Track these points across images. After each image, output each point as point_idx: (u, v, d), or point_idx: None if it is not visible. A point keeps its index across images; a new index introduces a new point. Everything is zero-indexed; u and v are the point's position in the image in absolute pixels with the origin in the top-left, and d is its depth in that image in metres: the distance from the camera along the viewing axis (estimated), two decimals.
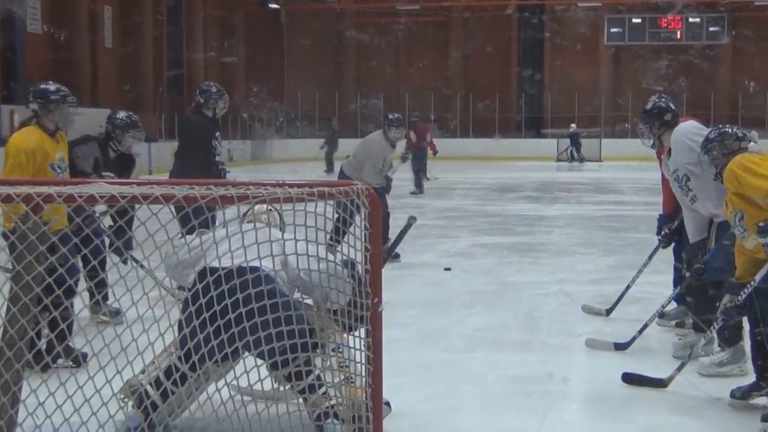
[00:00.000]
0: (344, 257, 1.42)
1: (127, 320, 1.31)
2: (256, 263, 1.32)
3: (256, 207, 1.41)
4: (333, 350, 1.50)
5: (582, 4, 14.89)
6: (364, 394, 1.35)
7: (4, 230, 1.71)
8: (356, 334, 1.36)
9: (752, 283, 1.73)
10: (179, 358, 1.41)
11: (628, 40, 15.05)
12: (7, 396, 1.17)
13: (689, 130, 2.11)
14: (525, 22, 15.56)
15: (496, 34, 15.19)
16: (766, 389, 1.75)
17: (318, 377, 1.45)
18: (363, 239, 1.32)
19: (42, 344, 1.24)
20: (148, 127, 10.27)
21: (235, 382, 1.40)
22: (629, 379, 1.93)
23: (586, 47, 15.01)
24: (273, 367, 1.41)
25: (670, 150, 2.17)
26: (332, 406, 1.43)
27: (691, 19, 14.73)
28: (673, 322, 2.46)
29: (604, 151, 13.35)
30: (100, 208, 1.64)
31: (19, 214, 1.18)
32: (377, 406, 1.36)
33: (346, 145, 8.64)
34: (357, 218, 1.30)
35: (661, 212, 2.46)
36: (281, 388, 1.46)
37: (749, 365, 1.88)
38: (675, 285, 2.41)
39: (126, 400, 1.46)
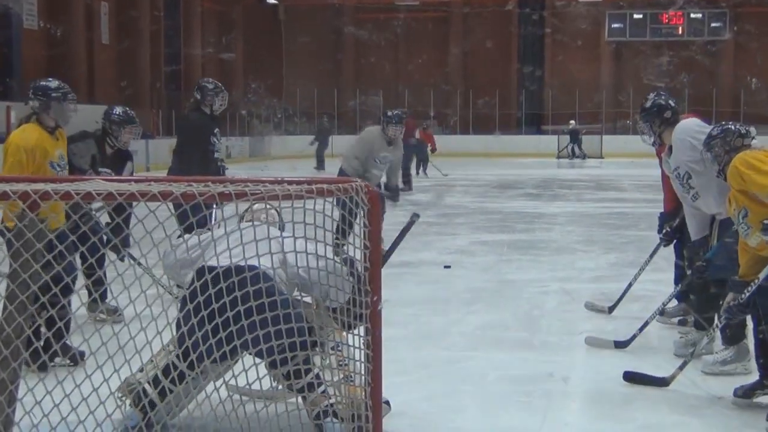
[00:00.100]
0: (344, 255, 1.42)
1: (124, 318, 1.30)
2: (254, 261, 1.31)
3: (255, 205, 1.40)
4: (332, 349, 1.49)
5: (583, 0, 14.85)
6: (363, 393, 1.35)
7: (1, 227, 1.70)
8: (356, 332, 1.35)
9: (756, 281, 1.72)
10: (177, 356, 1.40)
11: (630, 35, 15.02)
12: (4, 395, 1.16)
13: (691, 128, 2.09)
14: (525, 18, 15.54)
15: (496, 29, 15.17)
16: None
17: (317, 376, 1.45)
18: (362, 237, 1.30)
19: (39, 343, 1.23)
20: (146, 123, 10.13)
21: (232, 382, 1.39)
22: (630, 377, 1.92)
23: (587, 43, 14.99)
24: (272, 365, 1.40)
25: (670, 147, 2.15)
26: (331, 405, 1.43)
27: (692, 15, 14.70)
28: (675, 320, 2.45)
29: (605, 148, 13.32)
30: (97, 205, 1.62)
31: (16, 211, 1.16)
32: (377, 405, 1.35)
33: (345, 142, 8.64)
34: (359, 217, 1.30)
35: (662, 210, 2.46)
36: (279, 387, 1.46)
37: (753, 363, 1.86)
38: (676, 283, 2.40)
39: (124, 398, 1.45)
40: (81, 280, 2.11)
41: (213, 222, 1.96)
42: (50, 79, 2.15)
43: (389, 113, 3.69)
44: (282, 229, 1.58)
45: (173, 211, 1.20)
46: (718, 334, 2.02)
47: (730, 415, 1.74)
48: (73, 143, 2.26)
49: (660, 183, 2.46)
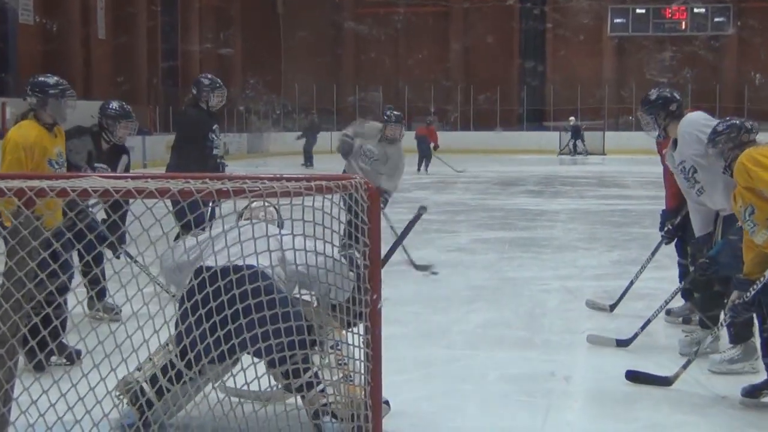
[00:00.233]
0: (345, 253, 1.40)
1: (121, 317, 1.28)
2: (252, 260, 1.30)
3: (253, 203, 1.38)
4: (331, 348, 1.48)
5: None
6: (362, 392, 1.33)
7: None
8: (356, 330, 1.33)
9: (761, 279, 1.69)
10: (175, 356, 1.38)
11: (632, 30, 14.92)
12: (0, 394, 1.14)
13: (697, 121, 2.07)
14: (527, 13, 15.42)
15: (497, 24, 15.06)
16: None
17: (315, 374, 1.43)
18: (362, 234, 1.29)
19: (34, 342, 1.21)
20: (142, 120, 10.00)
21: (230, 383, 1.38)
22: (633, 377, 1.89)
23: (589, 38, 14.89)
24: (270, 364, 1.39)
25: (675, 141, 2.13)
26: (329, 404, 1.41)
27: (696, 10, 14.60)
28: (680, 319, 2.43)
29: (607, 144, 13.27)
30: (93, 201, 1.60)
31: (12, 209, 1.15)
32: (376, 404, 1.33)
33: None
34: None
35: (664, 207, 2.43)
36: (278, 386, 1.44)
37: (761, 362, 1.82)
38: (680, 281, 2.38)
39: (121, 397, 1.43)
40: (77, 278, 2.10)
41: (212, 219, 1.94)
42: (48, 75, 2.13)
43: (387, 113, 3.66)
44: (281, 226, 1.56)
45: (170, 208, 1.18)
46: (724, 332, 2.01)
47: (735, 415, 1.72)
48: (69, 140, 2.24)
49: (663, 179, 2.47)
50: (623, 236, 4.43)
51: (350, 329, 1.35)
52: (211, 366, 1.34)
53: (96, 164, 2.42)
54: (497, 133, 14.06)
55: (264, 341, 1.31)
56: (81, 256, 1.94)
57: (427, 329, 2.44)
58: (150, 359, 1.43)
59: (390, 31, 15.22)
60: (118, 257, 2.08)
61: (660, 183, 2.54)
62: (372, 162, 3.45)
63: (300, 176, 1.25)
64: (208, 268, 1.32)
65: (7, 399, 1.17)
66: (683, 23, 14.72)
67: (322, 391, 1.42)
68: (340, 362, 1.45)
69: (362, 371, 1.34)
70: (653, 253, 2.54)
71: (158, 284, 1.47)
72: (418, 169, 9.26)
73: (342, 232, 1.32)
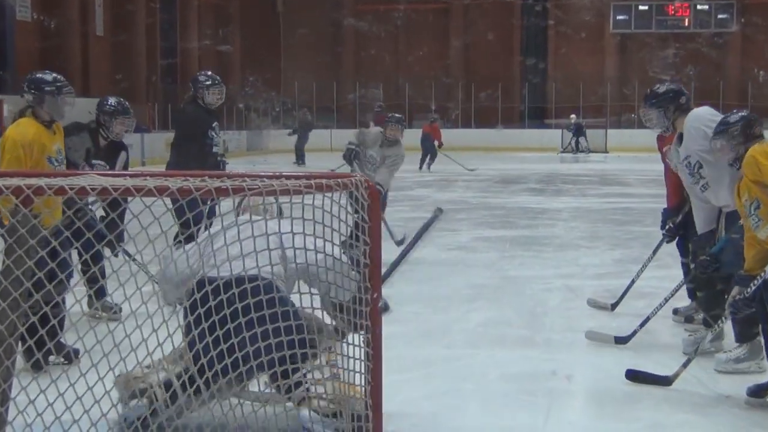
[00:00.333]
0: (347, 252, 1.38)
1: (121, 316, 1.28)
2: (252, 262, 1.29)
3: (252, 199, 1.37)
4: (323, 349, 1.46)
5: None
6: (352, 389, 1.33)
7: None
8: (361, 332, 1.32)
9: (762, 274, 1.68)
10: (186, 368, 1.37)
11: (635, 27, 14.82)
12: None
13: (705, 116, 2.03)
14: (528, 10, 15.32)
15: (498, 21, 14.99)
16: None
17: (303, 375, 1.43)
18: (362, 233, 1.28)
19: (32, 341, 1.20)
20: (141, 117, 9.95)
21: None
22: (633, 376, 1.88)
23: (591, 35, 14.79)
24: (272, 378, 1.37)
25: (680, 136, 2.09)
26: (315, 401, 1.40)
27: (699, 6, 14.51)
28: (684, 318, 2.44)
29: (609, 142, 13.21)
30: (92, 198, 1.58)
31: (9, 207, 1.13)
32: (377, 403, 1.33)
33: (345, 136, 8.50)
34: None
35: (666, 206, 2.42)
36: (268, 390, 1.42)
37: (767, 362, 1.85)
38: (685, 279, 2.37)
39: (125, 391, 1.41)
40: (76, 277, 2.09)
41: (212, 216, 1.93)
42: (46, 72, 2.10)
43: (389, 115, 3.67)
44: (280, 213, 1.53)
45: (170, 206, 1.16)
46: (728, 331, 1.99)
47: (738, 415, 1.70)
48: (67, 137, 2.22)
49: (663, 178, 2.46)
50: (625, 234, 4.41)
51: (356, 332, 1.34)
52: (221, 379, 1.31)
53: (94, 161, 2.39)
54: (498, 131, 13.98)
55: (266, 354, 1.30)
56: (81, 255, 1.93)
57: (428, 328, 2.43)
58: (161, 362, 1.40)
59: (390, 28, 15.14)
60: (116, 255, 2.07)
61: (662, 181, 2.50)
62: (375, 169, 3.47)
63: (300, 174, 1.24)
64: (211, 281, 1.31)
65: (5, 398, 1.16)
66: (686, 20, 14.62)
67: (308, 389, 1.40)
68: (329, 362, 1.44)
69: (362, 370, 1.33)
70: (654, 252, 2.53)
71: (157, 283, 1.46)
72: (420, 167, 9.22)
73: (346, 232, 1.29)
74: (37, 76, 2.06)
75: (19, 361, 1.24)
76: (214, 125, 2.88)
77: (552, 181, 8.16)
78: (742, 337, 1.96)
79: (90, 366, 1.19)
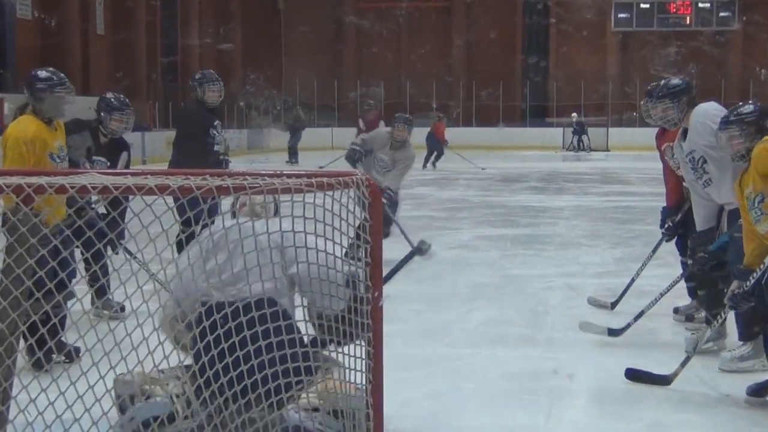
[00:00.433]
0: (348, 270, 1.37)
1: (124, 315, 1.27)
2: (259, 286, 1.28)
3: (252, 198, 1.36)
4: (322, 372, 1.45)
5: None
6: (341, 386, 1.33)
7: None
8: (356, 343, 1.32)
9: (761, 266, 1.66)
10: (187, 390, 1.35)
11: (636, 26, 14.80)
12: None
13: (712, 112, 2.02)
14: (530, 8, 15.29)
15: (500, 19, 14.95)
16: None
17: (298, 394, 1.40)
18: (363, 231, 1.27)
19: (32, 340, 1.20)
20: (142, 115, 9.98)
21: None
22: (632, 375, 1.87)
23: (592, 33, 14.77)
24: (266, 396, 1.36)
25: (685, 131, 2.07)
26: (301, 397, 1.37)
27: (700, 4, 14.48)
28: (684, 317, 2.44)
29: (611, 141, 13.19)
30: (95, 198, 1.58)
31: (10, 205, 1.13)
32: (377, 402, 1.32)
33: (346, 134, 8.48)
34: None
35: (665, 204, 2.42)
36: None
37: None
38: (687, 280, 2.36)
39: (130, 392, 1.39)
40: (78, 276, 2.09)
41: (214, 214, 1.92)
42: (41, 69, 2.08)
43: (396, 115, 3.62)
44: (277, 213, 1.52)
45: (171, 204, 1.16)
46: (731, 330, 1.99)
47: (739, 414, 1.70)
48: (68, 135, 2.22)
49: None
50: (626, 233, 4.41)
51: (351, 342, 1.34)
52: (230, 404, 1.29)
53: (94, 157, 2.38)
54: (500, 129, 13.96)
55: (273, 380, 1.30)
56: (83, 253, 1.92)
57: (429, 327, 2.42)
58: (174, 369, 1.38)
59: (392, 27, 15.10)
60: (117, 253, 2.06)
61: (663, 179, 2.51)
62: (385, 172, 3.44)
63: (301, 172, 1.23)
64: (219, 307, 1.30)
65: (6, 397, 1.16)
66: (688, 18, 14.59)
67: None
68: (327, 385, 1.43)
69: (363, 369, 1.32)
70: (654, 251, 2.53)
71: (158, 281, 1.46)
72: (424, 166, 9.19)
73: (349, 232, 1.29)
74: (33, 73, 2.04)
75: (20, 359, 1.24)
76: (215, 124, 2.83)
77: (553, 180, 8.15)
78: (745, 336, 1.95)
79: (91, 365, 1.18)
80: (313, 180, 1.20)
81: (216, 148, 2.86)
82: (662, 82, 2.16)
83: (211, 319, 1.28)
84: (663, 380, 1.84)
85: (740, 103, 1.85)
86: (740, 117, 1.78)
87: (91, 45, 11.34)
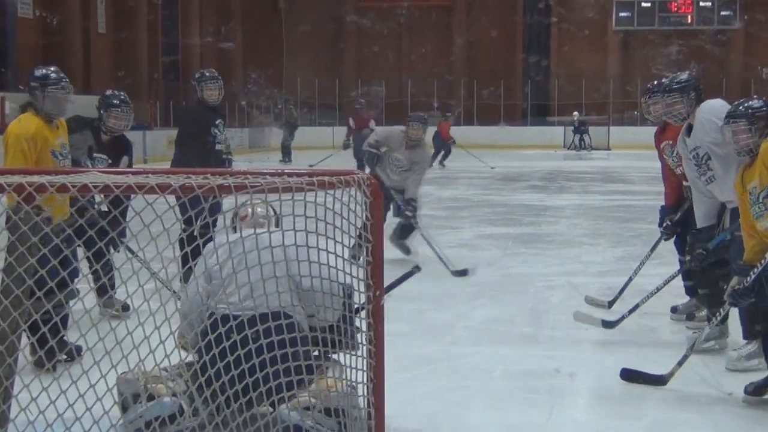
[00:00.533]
0: (344, 282, 1.37)
1: (126, 314, 1.27)
2: (264, 298, 1.29)
3: (255, 210, 1.35)
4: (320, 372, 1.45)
5: None
6: (336, 384, 1.34)
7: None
8: (353, 353, 1.32)
9: (761, 262, 1.65)
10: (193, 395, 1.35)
11: (638, 24, 14.76)
12: None
13: (718, 108, 2.00)
14: (531, 7, 15.26)
15: (501, 18, 14.93)
16: None
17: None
18: (364, 230, 1.27)
19: (34, 339, 1.20)
20: (143, 114, 9.98)
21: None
22: (627, 376, 1.86)
23: (593, 32, 14.73)
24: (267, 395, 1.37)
25: (689, 127, 2.06)
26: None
27: (702, 3, 14.44)
28: (684, 316, 2.43)
29: (612, 139, 13.18)
30: (98, 197, 1.58)
31: (11, 205, 1.13)
32: (379, 401, 1.32)
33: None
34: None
35: (664, 203, 2.42)
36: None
37: None
38: (684, 279, 2.37)
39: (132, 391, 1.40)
40: (80, 275, 2.09)
41: (216, 213, 1.91)
42: (39, 67, 2.10)
43: (410, 114, 3.58)
44: (278, 222, 1.53)
45: (172, 202, 1.16)
46: (733, 330, 1.98)
47: (740, 413, 1.70)
48: (70, 134, 2.22)
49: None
50: (628, 232, 4.41)
51: (348, 350, 1.34)
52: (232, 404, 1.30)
53: (95, 155, 2.37)
54: (501, 128, 13.92)
55: (276, 391, 1.31)
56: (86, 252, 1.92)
57: (431, 326, 2.42)
58: (177, 368, 1.38)
59: (393, 26, 15.09)
60: (118, 251, 2.06)
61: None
62: (401, 172, 3.38)
63: (302, 171, 1.22)
64: (224, 320, 1.31)
65: (7, 396, 1.16)
66: (689, 17, 14.57)
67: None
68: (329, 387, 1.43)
69: (365, 368, 1.33)
70: (652, 249, 2.53)
71: (159, 280, 1.46)
72: (430, 165, 9.16)
73: (350, 231, 1.29)
74: (33, 72, 2.04)
75: (22, 358, 1.24)
76: (217, 123, 2.85)
77: (554, 179, 8.14)
78: (749, 334, 1.94)
79: (92, 363, 1.18)
80: (315, 179, 1.20)
81: (218, 147, 2.86)
82: (668, 77, 2.15)
83: (218, 331, 1.28)
84: (659, 380, 1.83)
85: (743, 100, 1.82)
86: (750, 111, 1.74)
87: (92, 44, 11.34)
